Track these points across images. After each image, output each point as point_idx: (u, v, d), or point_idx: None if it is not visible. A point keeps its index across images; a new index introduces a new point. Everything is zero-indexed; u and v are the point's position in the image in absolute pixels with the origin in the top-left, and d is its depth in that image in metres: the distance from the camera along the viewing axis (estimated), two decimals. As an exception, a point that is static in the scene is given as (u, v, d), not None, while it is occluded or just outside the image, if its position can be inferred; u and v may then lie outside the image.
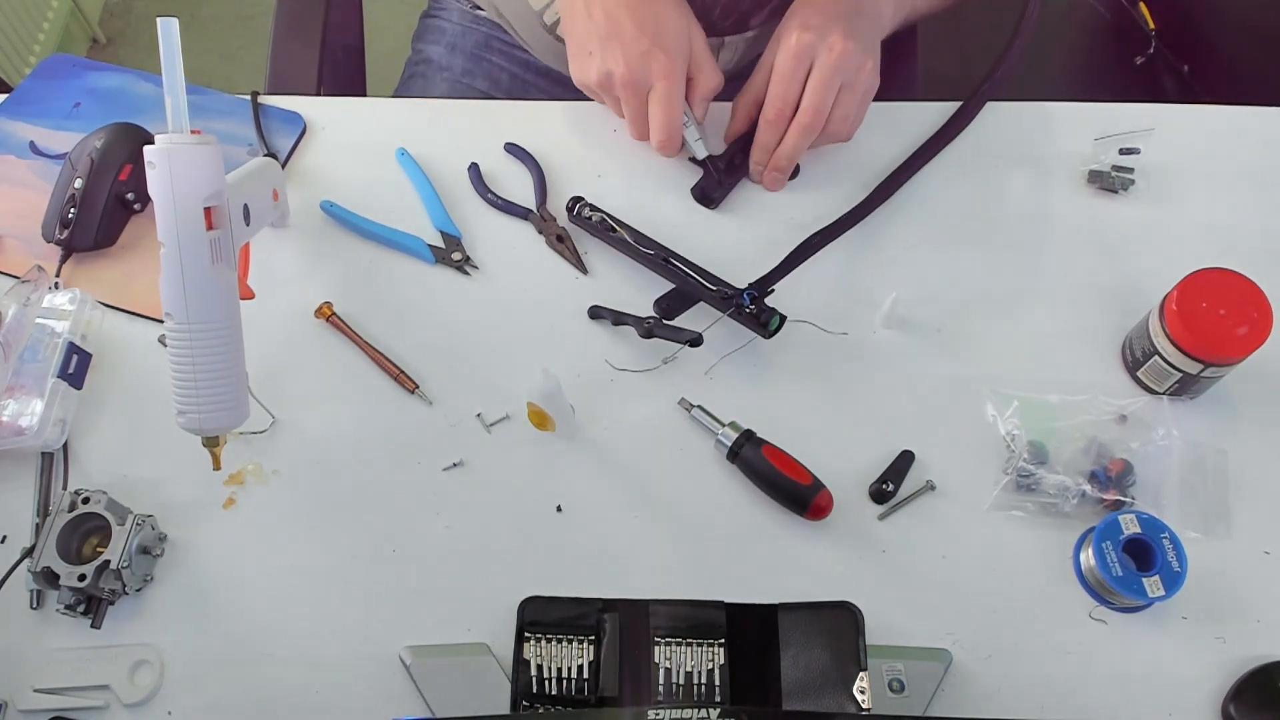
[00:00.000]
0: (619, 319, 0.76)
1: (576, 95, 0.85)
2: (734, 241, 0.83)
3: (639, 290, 0.80)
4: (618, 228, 0.79)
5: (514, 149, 0.87)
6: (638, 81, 0.78)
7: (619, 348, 0.78)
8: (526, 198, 0.85)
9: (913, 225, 0.84)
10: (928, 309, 0.79)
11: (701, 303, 0.78)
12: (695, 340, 0.73)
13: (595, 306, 0.78)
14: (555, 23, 0.97)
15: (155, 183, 0.62)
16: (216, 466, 0.68)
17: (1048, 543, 0.71)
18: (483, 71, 1.06)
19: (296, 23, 1.05)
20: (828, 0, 0.80)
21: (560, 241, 0.82)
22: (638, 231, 0.80)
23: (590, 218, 0.81)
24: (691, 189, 0.84)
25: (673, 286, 0.79)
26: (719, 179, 0.83)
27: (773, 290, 0.77)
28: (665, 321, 0.76)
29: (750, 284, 0.77)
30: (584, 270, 0.81)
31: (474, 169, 0.86)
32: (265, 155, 0.85)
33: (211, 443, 0.67)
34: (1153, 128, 0.84)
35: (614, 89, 0.79)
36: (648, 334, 0.74)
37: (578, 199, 0.82)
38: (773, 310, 0.75)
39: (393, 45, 1.18)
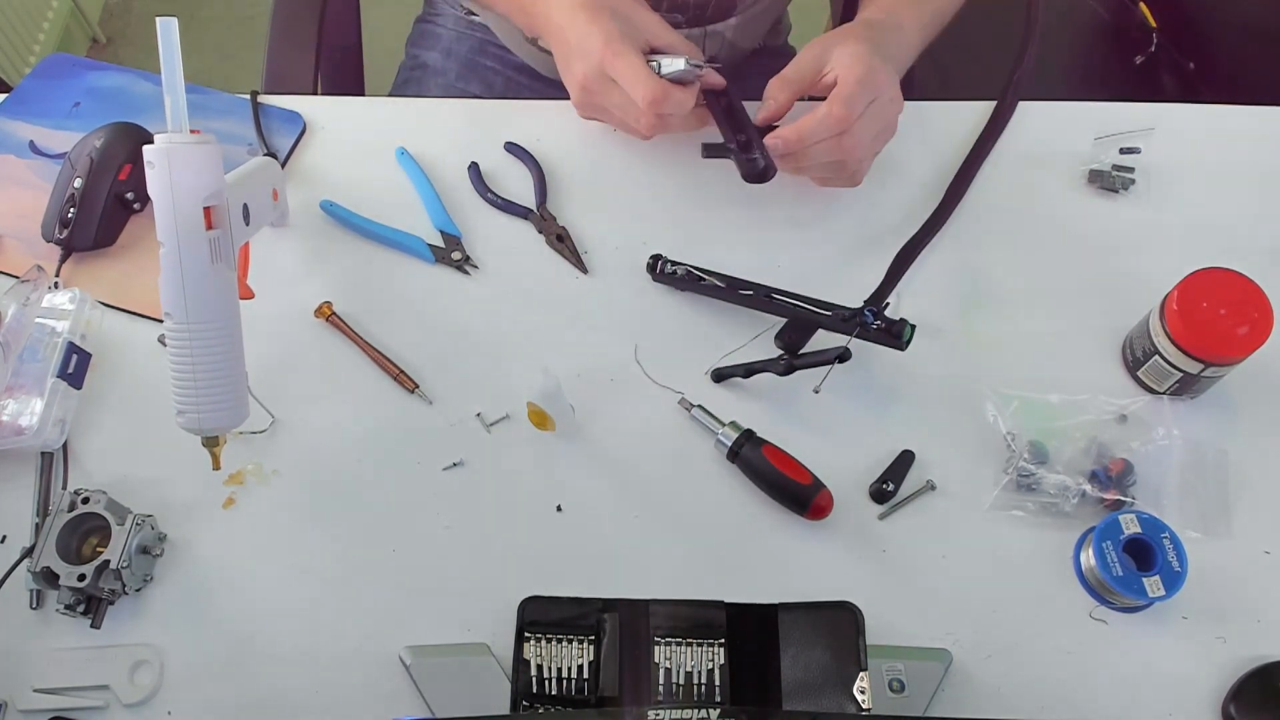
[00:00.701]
0: (751, 370, 0.75)
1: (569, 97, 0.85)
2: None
3: (639, 293, 0.80)
4: (706, 276, 0.78)
5: (514, 148, 0.87)
6: (591, 89, 0.77)
7: (619, 346, 0.78)
8: (526, 197, 0.85)
9: (912, 226, 0.83)
10: (928, 309, 0.79)
11: (820, 330, 0.77)
12: (844, 355, 0.71)
13: (720, 369, 0.77)
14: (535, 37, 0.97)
15: (154, 182, 0.62)
16: (216, 466, 0.68)
17: (1048, 543, 0.71)
18: (477, 76, 1.07)
19: (292, 23, 1.05)
20: (888, 45, 0.79)
21: (560, 241, 0.82)
22: (727, 275, 0.78)
23: (674, 272, 0.79)
24: (744, 176, 0.77)
25: (784, 320, 0.78)
26: (750, 154, 0.77)
27: (888, 304, 0.78)
28: (799, 354, 0.76)
29: (866, 301, 0.77)
30: (584, 269, 0.81)
31: (474, 168, 0.86)
32: (265, 155, 0.85)
33: (211, 442, 0.67)
34: (1152, 127, 0.84)
35: (590, 97, 0.78)
36: (788, 370, 0.74)
37: (658, 257, 0.80)
38: (902, 321, 0.73)
39: (392, 46, 1.18)
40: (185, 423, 0.66)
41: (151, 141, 0.63)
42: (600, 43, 0.74)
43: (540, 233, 0.83)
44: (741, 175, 0.77)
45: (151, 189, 0.63)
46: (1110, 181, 0.84)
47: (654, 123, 0.76)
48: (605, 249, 0.82)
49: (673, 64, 0.76)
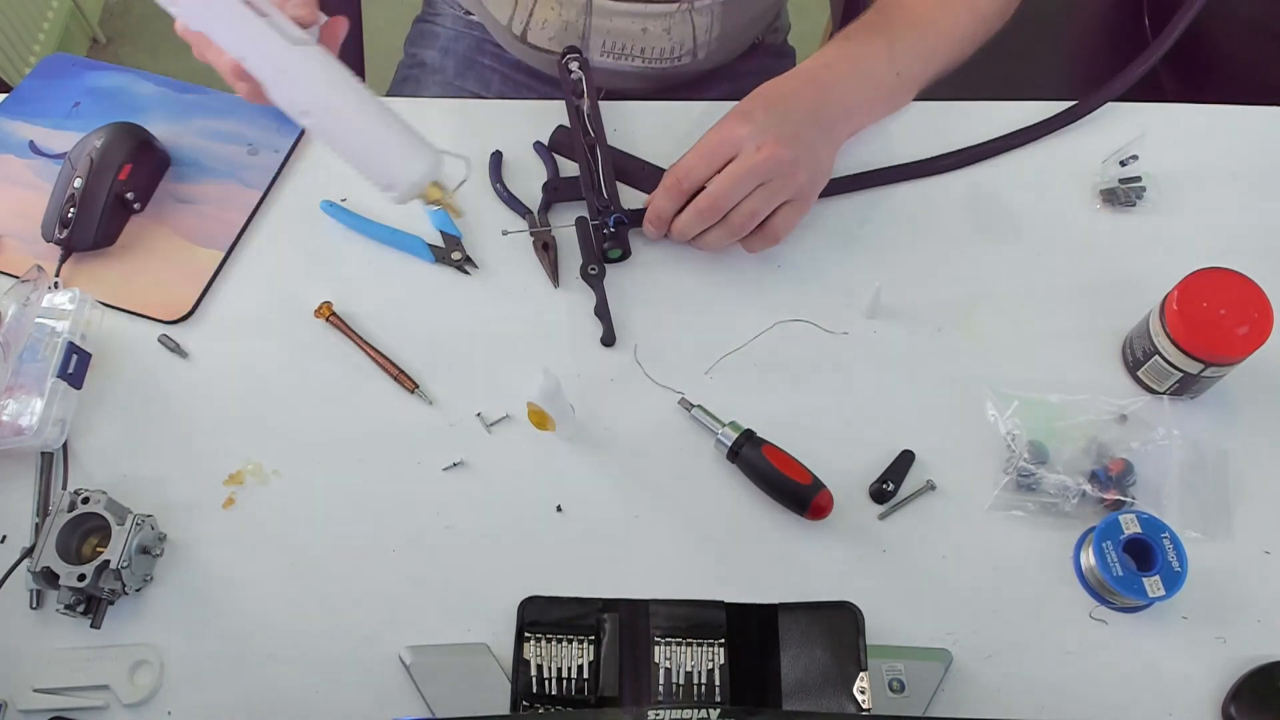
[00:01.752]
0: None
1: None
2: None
3: (639, 292, 0.80)
4: (586, 97, 0.82)
5: (540, 149, 0.87)
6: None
7: (617, 346, 0.78)
8: (532, 199, 0.85)
9: (913, 225, 0.83)
10: (928, 308, 0.79)
11: (584, 202, 0.82)
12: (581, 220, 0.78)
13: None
14: (523, 32, 0.98)
15: None
16: (457, 215, 0.69)
17: (1048, 543, 0.71)
18: (474, 74, 1.07)
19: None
20: (780, 98, 0.78)
21: (545, 250, 0.82)
22: (596, 118, 0.82)
23: (571, 74, 0.84)
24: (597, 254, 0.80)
25: (574, 175, 0.82)
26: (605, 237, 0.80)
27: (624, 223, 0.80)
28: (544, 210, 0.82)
29: (627, 210, 0.79)
30: (556, 283, 0.81)
31: (496, 156, 0.86)
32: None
33: (434, 194, 0.66)
34: (1143, 133, 0.84)
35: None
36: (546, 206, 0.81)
37: (571, 49, 0.85)
38: (620, 245, 0.79)
39: (392, 45, 1.18)
40: (398, 196, 0.64)
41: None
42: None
43: (531, 234, 0.83)
44: (597, 255, 0.80)
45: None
46: (1124, 198, 0.83)
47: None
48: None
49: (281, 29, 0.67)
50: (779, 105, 0.77)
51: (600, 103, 0.86)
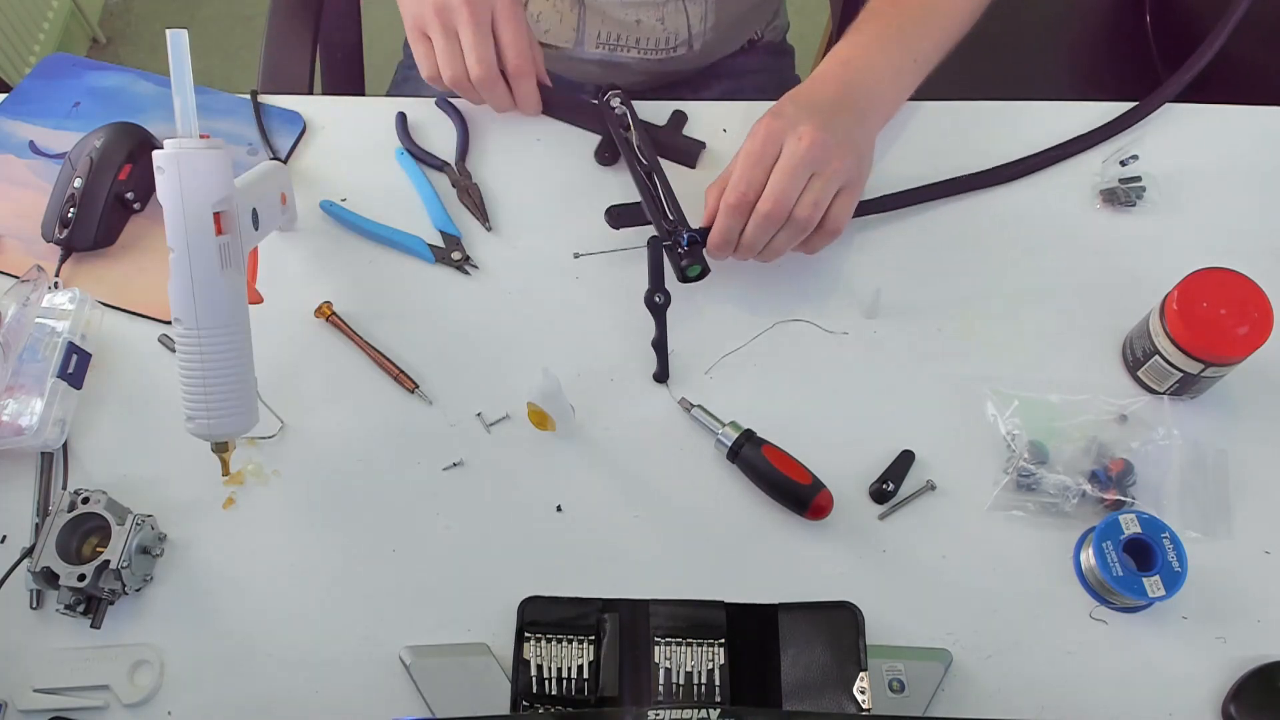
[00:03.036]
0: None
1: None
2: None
3: (638, 293, 0.80)
4: (633, 129, 0.81)
5: (445, 104, 0.88)
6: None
7: (619, 346, 0.78)
8: (448, 152, 0.87)
9: (913, 225, 0.83)
10: (928, 308, 0.79)
11: (652, 226, 0.79)
12: (654, 243, 0.75)
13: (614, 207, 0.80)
14: None
15: (165, 188, 0.62)
16: (226, 473, 0.68)
17: (1048, 543, 0.71)
18: None
19: (289, 23, 1.05)
20: (806, 93, 0.78)
21: (468, 195, 0.84)
22: (646, 147, 0.80)
23: (615, 109, 0.83)
24: (679, 277, 0.77)
25: (637, 201, 0.80)
26: (686, 247, 0.77)
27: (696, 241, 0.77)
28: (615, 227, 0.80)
29: (699, 228, 0.77)
30: (487, 226, 0.83)
31: (400, 117, 0.87)
32: (271, 159, 0.85)
33: (220, 448, 0.67)
34: (1141, 134, 0.84)
35: (441, 15, 0.78)
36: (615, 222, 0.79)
37: (612, 88, 0.84)
38: (698, 261, 0.75)
39: (393, 46, 1.18)
40: (195, 429, 0.65)
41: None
42: None
43: (454, 186, 0.85)
44: (677, 276, 0.77)
45: (161, 194, 0.62)
46: (1124, 198, 0.83)
47: (487, 81, 0.77)
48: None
49: None
50: (806, 99, 0.77)
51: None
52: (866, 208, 0.81)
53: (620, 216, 0.80)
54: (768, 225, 0.74)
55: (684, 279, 0.77)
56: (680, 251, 0.76)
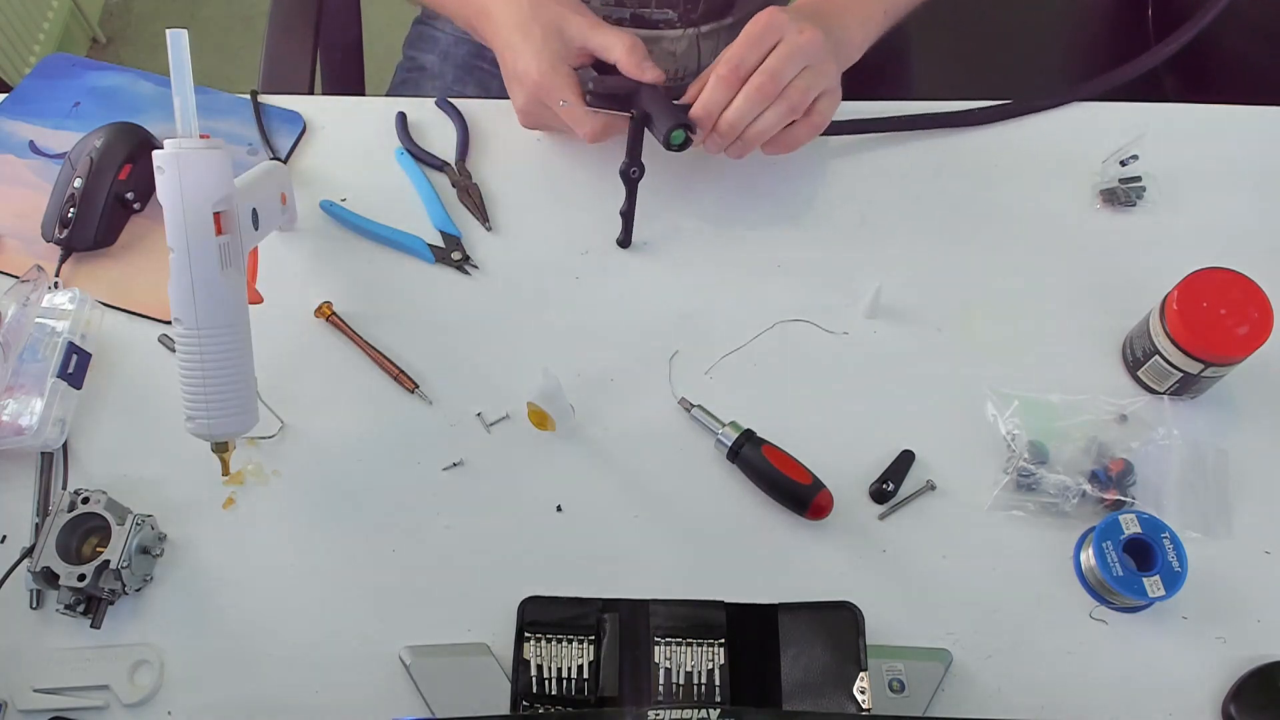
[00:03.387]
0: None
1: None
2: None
3: (639, 293, 0.80)
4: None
5: (445, 104, 0.89)
6: (531, 112, 0.81)
7: (618, 346, 0.78)
8: (448, 152, 0.87)
9: (913, 225, 0.83)
10: (928, 308, 0.79)
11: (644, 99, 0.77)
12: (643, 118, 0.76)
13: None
14: None
15: (164, 188, 0.62)
16: (226, 473, 0.68)
17: (1048, 543, 0.71)
18: (473, 79, 1.07)
19: (289, 22, 1.05)
20: (798, 8, 0.80)
21: (468, 195, 0.84)
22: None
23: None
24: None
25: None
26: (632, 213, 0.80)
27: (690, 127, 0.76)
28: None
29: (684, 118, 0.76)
30: (486, 222, 0.83)
31: (400, 117, 0.88)
32: (271, 159, 0.85)
33: (220, 448, 0.67)
34: (1143, 133, 0.84)
35: (532, 120, 0.82)
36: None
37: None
38: (682, 125, 0.75)
39: (393, 46, 1.18)
40: (195, 429, 0.65)
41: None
42: (535, 73, 0.77)
43: (454, 185, 0.85)
44: (662, 144, 0.76)
45: (161, 194, 0.62)
46: (1124, 198, 0.83)
47: (595, 139, 0.79)
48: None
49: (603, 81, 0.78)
50: (799, 10, 0.79)
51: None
52: (843, 127, 0.84)
53: (603, 97, 0.78)
54: (759, 99, 0.74)
55: (668, 146, 0.76)
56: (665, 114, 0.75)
